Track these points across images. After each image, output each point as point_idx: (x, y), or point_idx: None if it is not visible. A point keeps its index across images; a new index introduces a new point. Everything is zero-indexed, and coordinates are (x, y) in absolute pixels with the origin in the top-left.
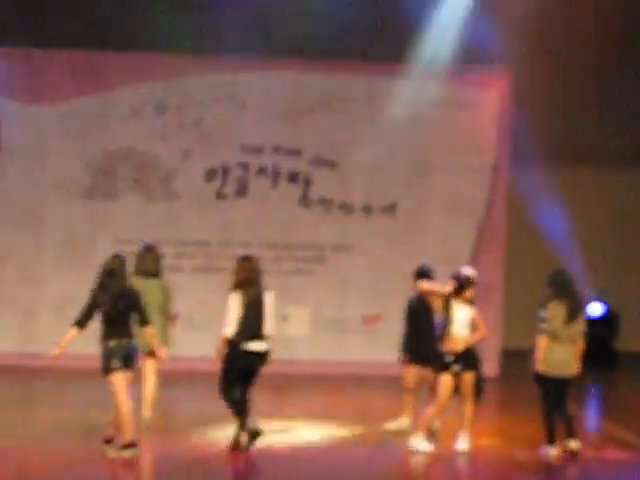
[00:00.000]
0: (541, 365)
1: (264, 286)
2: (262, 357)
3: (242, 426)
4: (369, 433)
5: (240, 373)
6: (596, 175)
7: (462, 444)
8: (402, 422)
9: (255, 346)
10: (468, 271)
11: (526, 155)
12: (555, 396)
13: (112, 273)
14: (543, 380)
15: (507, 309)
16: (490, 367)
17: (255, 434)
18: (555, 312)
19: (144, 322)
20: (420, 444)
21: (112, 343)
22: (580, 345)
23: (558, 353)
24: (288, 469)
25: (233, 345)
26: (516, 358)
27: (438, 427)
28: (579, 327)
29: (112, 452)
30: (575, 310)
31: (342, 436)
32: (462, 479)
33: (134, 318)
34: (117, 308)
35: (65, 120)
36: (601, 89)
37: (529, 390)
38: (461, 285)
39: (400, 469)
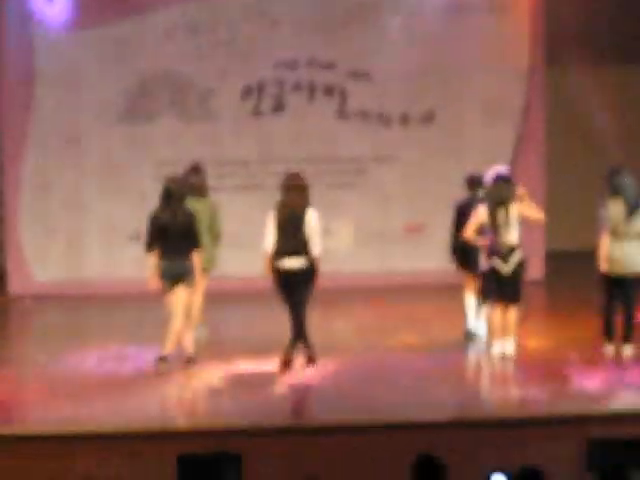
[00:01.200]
0: (604, 264)
1: (307, 204)
2: (298, 274)
3: (292, 345)
4: (421, 342)
5: (282, 291)
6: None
7: (508, 347)
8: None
9: (289, 263)
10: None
11: (568, 58)
12: (620, 296)
13: (169, 195)
14: (606, 279)
15: (551, 212)
16: (535, 269)
17: (310, 359)
18: (614, 210)
19: (195, 245)
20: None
21: (164, 264)
22: None
23: (620, 251)
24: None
25: (272, 263)
26: (561, 260)
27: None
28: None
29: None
30: (634, 206)
31: (395, 346)
32: (519, 379)
33: (188, 239)
34: (172, 229)
35: (98, 45)
36: None
37: (575, 292)
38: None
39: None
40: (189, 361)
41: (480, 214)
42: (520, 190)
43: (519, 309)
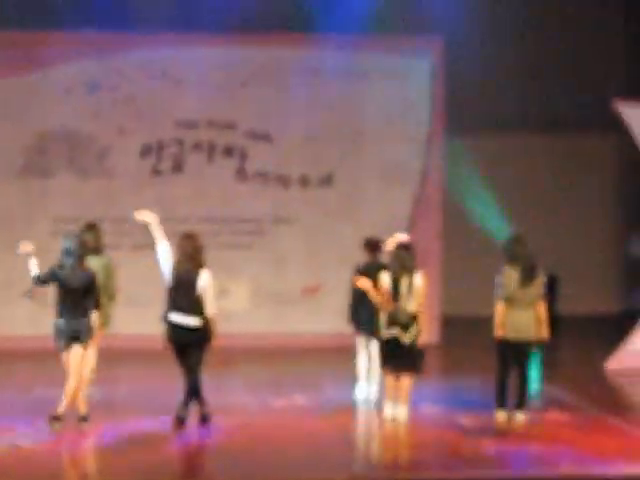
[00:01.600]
0: (499, 330)
1: (202, 263)
2: (190, 333)
3: (185, 403)
4: (313, 403)
5: (175, 348)
6: (528, 140)
7: (401, 412)
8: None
9: (180, 319)
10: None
11: (468, 123)
12: (515, 361)
13: (67, 252)
14: (502, 345)
15: (445, 276)
16: (431, 334)
17: (204, 418)
18: (510, 277)
19: (95, 304)
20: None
21: (60, 322)
22: (540, 308)
23: (516, 317)
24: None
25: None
26: (456, 325)
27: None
28: (535, 290)
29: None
30: (529, 274)
31: (286, 406)
32: (407, 444)
33: (87, 298)
34: (71, 287)
35: None
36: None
37: (469, 357)
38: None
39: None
40: (82, 420)
41: (384, 282)
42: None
43: (415, 377)
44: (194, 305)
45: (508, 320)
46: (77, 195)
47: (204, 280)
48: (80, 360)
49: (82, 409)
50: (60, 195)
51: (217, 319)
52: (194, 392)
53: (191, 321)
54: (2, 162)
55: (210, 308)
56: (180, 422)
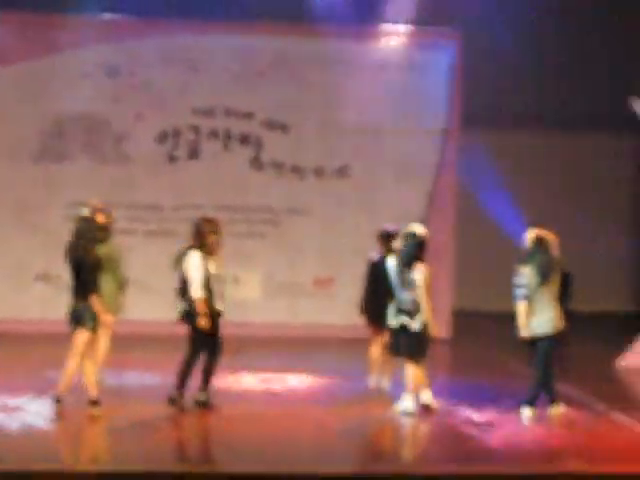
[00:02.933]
0: (524, 330)
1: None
2: (182, 315)
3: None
4: (325, 394)
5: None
6: (545, 138)
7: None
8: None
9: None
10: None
11: (477, 118)
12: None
13: (76, 235)
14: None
15: (459, 270)
16: (442, 329)
17: (202, 403)
18: (528, 276)
19: (91, 288)
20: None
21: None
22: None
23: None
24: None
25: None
26: (468, 319)
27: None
28: (554, 288)
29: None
30: (546, 273)
31: (296, 397)
32: (417, 438)
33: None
34: (70, 268)
35: (15, 83)
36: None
37: (480, 351)
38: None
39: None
40: (93, 404)
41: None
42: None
43: (421, 366)
44: (181, 289)
45: (530, 319)
46: (93, 180)
47: (186, 262)
48: (80, 344)
49: (93, 393)
50: (76, 180)
51: (200, 302)
52: (180, 374)
53: (179, 305)
54: (19, 146)
55: (192, 291)
56: (175, 405)
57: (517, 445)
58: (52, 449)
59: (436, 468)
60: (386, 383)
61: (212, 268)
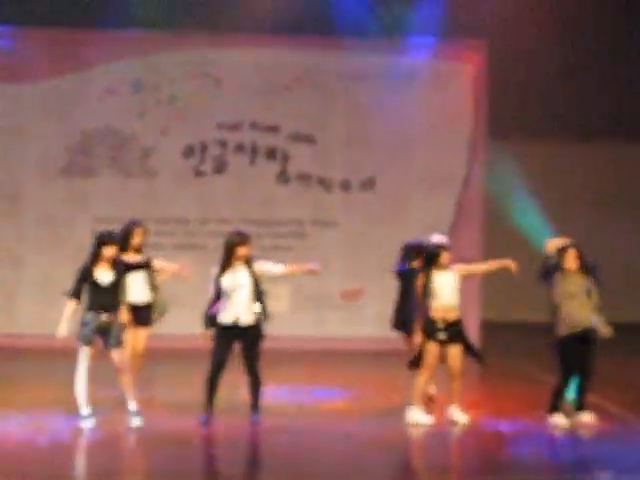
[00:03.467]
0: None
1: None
2: None
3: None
4: (355, 408)
5: None
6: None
7: (457, 416)
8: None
9: None
10: (435, 239)
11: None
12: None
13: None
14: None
15: (486, 282)
16: (471, 339)
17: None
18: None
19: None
20: (417, 417)
21: (87, 315)
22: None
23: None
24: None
25: None
26: (495, 330)
27: (434, 394)
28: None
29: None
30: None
31: (329, 410)
32: (454, 452)
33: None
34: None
35: (42, 99)
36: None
37: (508, 363)
38: (432, 254)
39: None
40: (134, 415)
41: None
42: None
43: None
44: None
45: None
46: (119, 195)
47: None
48: (125, 360)
49: (133, 404)
50: (102, 195)
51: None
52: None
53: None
54: (46, 161)
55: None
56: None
57: (548, 456)
58: (81, 463)
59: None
60: (432, 390)
61: (236, 279)
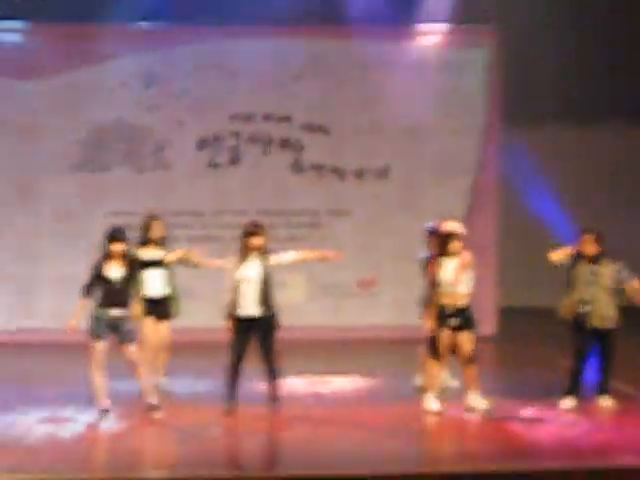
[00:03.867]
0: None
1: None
2: None
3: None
4: (373, 394)
5: None
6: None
7: (480, 403)
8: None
9: None
10: (448, 226)
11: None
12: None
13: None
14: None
15: (503, 268)
16: (487, 326)
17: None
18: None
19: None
20: (430, 403)
21: (99, 311)
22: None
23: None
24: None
25: None
26: (513, 316)
27: (456, 385)
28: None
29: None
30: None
31: (342, 397)
32: (471, 438)
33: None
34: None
35: (54, 94)
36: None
37: (526, 348)
38: (443, 240)
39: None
40: (153, 409)
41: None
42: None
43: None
44: None
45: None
46: (134, 189)
47: None
48: (141, 355)
49: (153, 398)
50: (117, 189)
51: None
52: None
53: None
54: (59, 157)
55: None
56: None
57: (567, 440)
58: (102, 457)
59: (484, 466)
60: (450, 381)
61: (245, 271)
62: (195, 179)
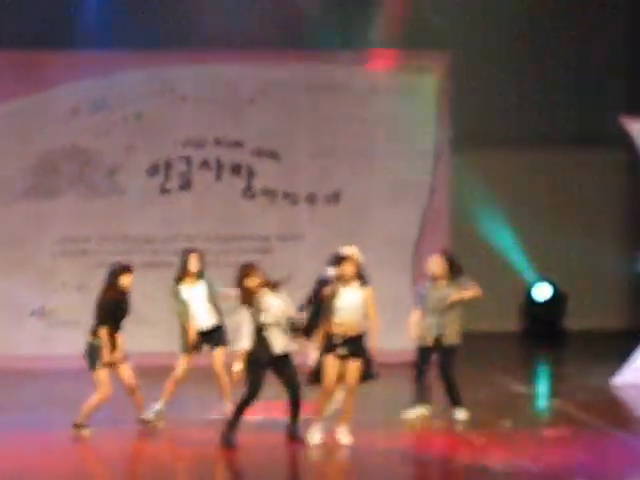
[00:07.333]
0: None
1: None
2: None
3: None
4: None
5: None
6: (531, 156)
7: (344, 437)
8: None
9: None
10: (344, 249)
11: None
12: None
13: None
14: None
15: None
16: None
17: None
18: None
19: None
20: (312, 437)
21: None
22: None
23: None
24: None
25: None
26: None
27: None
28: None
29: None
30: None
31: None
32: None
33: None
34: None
35: (5, 120)
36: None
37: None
38: (337, 263)
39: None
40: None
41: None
42: None
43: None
44: None
45: None
46: (84, 214)
47: None
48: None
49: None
50: (67, 215)
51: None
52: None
53: None
54: (8, 183)
55: None
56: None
57: (519, 465)
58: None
59: None
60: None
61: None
62: (146, 204)
